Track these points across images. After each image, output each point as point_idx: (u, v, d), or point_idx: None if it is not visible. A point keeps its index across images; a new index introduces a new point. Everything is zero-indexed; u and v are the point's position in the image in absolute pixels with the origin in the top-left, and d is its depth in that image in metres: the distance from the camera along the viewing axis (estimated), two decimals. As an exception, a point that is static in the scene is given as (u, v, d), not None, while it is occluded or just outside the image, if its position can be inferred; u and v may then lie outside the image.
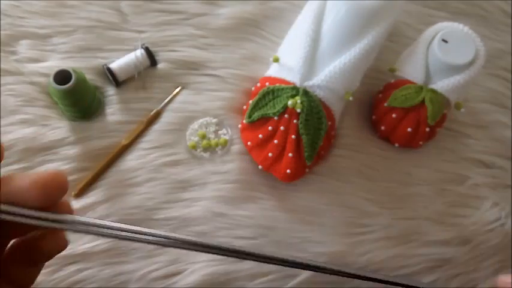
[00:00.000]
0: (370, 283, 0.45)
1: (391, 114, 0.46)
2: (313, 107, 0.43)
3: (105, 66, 0.46)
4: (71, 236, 0.42)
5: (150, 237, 0.24)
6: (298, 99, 0.42)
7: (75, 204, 0.43)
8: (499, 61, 0.55)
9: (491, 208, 0.49)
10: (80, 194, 0.43)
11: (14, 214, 0.21)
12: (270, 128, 0.43)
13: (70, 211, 0.24)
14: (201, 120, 0.47)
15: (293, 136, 0.42)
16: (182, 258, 0.43)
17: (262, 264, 0.43)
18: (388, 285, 0.46)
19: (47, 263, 0.41)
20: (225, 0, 0.51)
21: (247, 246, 0.44)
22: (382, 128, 0.47)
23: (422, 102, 0.44)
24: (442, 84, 0.44)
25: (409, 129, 0.45)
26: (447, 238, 0.47)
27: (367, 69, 0.45)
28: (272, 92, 0.43)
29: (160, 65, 0.48)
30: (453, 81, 0.43)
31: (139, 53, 0.46)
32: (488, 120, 0.52)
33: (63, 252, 0.41)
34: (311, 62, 0.43)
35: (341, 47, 0.43)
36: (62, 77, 0.41)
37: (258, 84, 0.47)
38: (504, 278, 0.30)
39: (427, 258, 0.46)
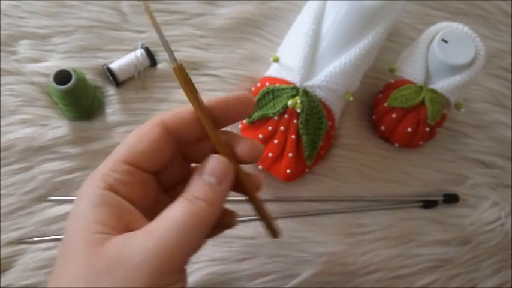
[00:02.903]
0: (370, 283, 0.45)
1: (391, 114, 0.46)
2: (313, 107, 0.43)
3: (105, 66, 0.46)
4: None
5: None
6: (298, 99, 0.42)
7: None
8: (499, 61, 0.55)
9: (491, 208, 0.49)
10: None
11: None
12: (270, 128, 0.43)
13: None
14: (201, 120, 0.47)
15: (293, 136, 0.42)
16: (182, 258, 0.43)
17: (262, 264, 0.44)
18: (388, 286, 0.46)
19: (46, 264, 0.41)
20: (225, 0, 0.51)
21: (248, 246, 0.44)
22: (382, 128, 0.47)
23: (422, 102, 0.44)
24: (442, 84, 0.44)
25: (409, 129, 0.45)
26: (447, 238, 0.47)
27: (367, 69, 0.45)
28: (272, 92, 0.43)
29: (160, 65, 0.48)
30: (453, 81, 0.43)
31: (139, 53, 0.46)
32: (488, 120, 0.52)
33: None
34: (311, 62, 0.43)
35: (341, 47, 0.43)
36: (62, 77, 0.41)
37: (258, 84, 0.47)
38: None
39: (427, 258, 0.46)
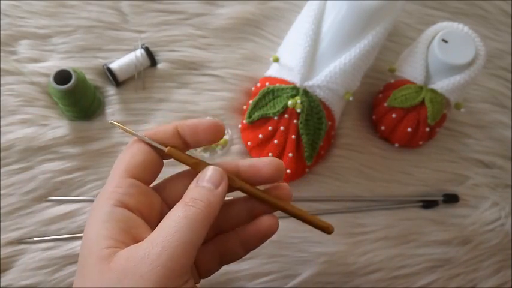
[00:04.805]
0: (370, 283, 0.45)
1: (391, 114, 0.46)
2: (313, 107, 0.43)
3: (105, 66, 0.46)
4: (68, 239, 0.42)
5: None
6: (298, 99, 0.42)
7: (74, 205, 0.43)
8: (499, 61, 0.55)
9: (491, 208, 0.49)
10: None
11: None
12: (270, 128, 0.43)
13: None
14: (201, 120, 0.47)
15: (293, 136, 0.42)
16: (182, 258, 0.43)
17: (262, 264, 0.44)
18: (388, 286, 0.46)
19: (46, 264, 0.41)
20: (225, 0, 0.51)
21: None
22: (382, 128, 0.47)
23: (422, 102, 0.44)
24: (442, 84, 0.44)
25: (409, 129, 0.45)
26: (447, 238, 0.47)
27: (367, 69, 0.45)
28: (272, 92, 0.43)
29: (160, 65, 0.48)
30: (453, 81, 0.43)
31: (139, 53, 0.46)
32: (488, 120, 0.52)
33: (63, 253, 0.41)
34: (311, 62, 0.43)
35: (341, 47, 0.43)
36: (62, 77, 0.41)
37: (258, 84, 0.47)
38: None
39: (427, 258, 0.46)
